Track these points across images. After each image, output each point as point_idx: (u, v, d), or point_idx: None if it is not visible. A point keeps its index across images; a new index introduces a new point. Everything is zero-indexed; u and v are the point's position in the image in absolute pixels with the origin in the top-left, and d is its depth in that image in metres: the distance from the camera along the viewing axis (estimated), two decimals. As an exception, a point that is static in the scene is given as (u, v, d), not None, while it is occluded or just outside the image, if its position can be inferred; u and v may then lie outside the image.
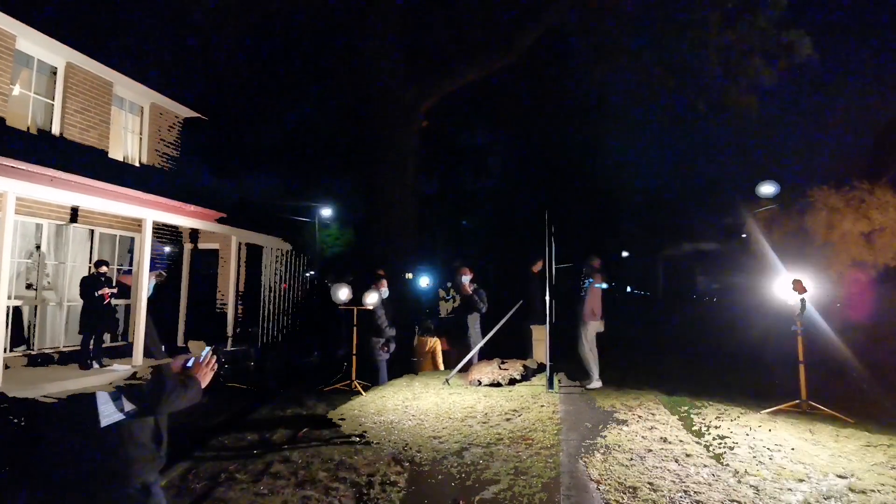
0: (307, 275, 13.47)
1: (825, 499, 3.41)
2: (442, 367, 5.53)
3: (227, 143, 12.40)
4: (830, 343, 6.49)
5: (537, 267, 7.11)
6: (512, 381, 6.30)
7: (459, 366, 6.46)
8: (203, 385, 1.92)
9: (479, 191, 21.20)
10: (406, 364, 6.62)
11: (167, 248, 8.71)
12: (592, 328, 6.77)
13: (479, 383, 6.10)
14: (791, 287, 5.47)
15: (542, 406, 5.43)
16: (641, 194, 24.27)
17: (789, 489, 3.57)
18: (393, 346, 5.02)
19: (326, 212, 31.70)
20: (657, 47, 8.59)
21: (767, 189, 7.56)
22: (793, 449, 4.32)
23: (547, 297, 6.13)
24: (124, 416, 1.71)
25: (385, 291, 5.07)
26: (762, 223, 8.06)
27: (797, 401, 5.40)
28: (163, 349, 1.80)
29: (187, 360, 1.96)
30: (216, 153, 12.76)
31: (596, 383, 6.73)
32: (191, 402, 1.84)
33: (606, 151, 21.00)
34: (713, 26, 7.82)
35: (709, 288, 15.79)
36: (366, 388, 6.07)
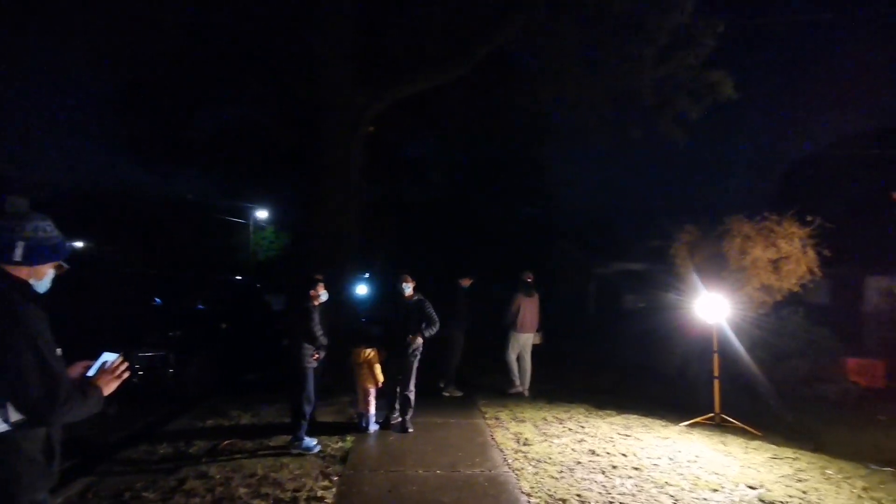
0: (238, 278, 12.80)
1: (736, 508, 3.62)
2: (381, 379, 5.30)
3: (158, 136, 11.55)
4: (741, 360, 7.00)
5: (466, 281, 7.30)
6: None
7: None
8: (106, 394, 1.71)
9: (423, 201, 21.21)
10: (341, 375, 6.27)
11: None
12: (514, 338, 7.17)
13: None
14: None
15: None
16: (579, 215, 25.32)
17: (705, 499, 3.76)
18: (323, 355, 4.81)
19: (262, 214, 30.22)
20: (599, 75, 9.02)
21: None
22: (708, 460, 4.57)
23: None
24: (9, 428, 1.49)
25: (324, 295, 4.83)
26: (686, 247, 8.59)
27: (712, 414, 5.75)
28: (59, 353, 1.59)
29: (89, 366, 1.75)
30: (146, 145, 11.87)
31: (515, 389, 7.11)
32: (90, 412, 1.63)
33: (550, 171, 21.75)
34: (648, 61, 8.33)
35: (635, 305, 16.61)
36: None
